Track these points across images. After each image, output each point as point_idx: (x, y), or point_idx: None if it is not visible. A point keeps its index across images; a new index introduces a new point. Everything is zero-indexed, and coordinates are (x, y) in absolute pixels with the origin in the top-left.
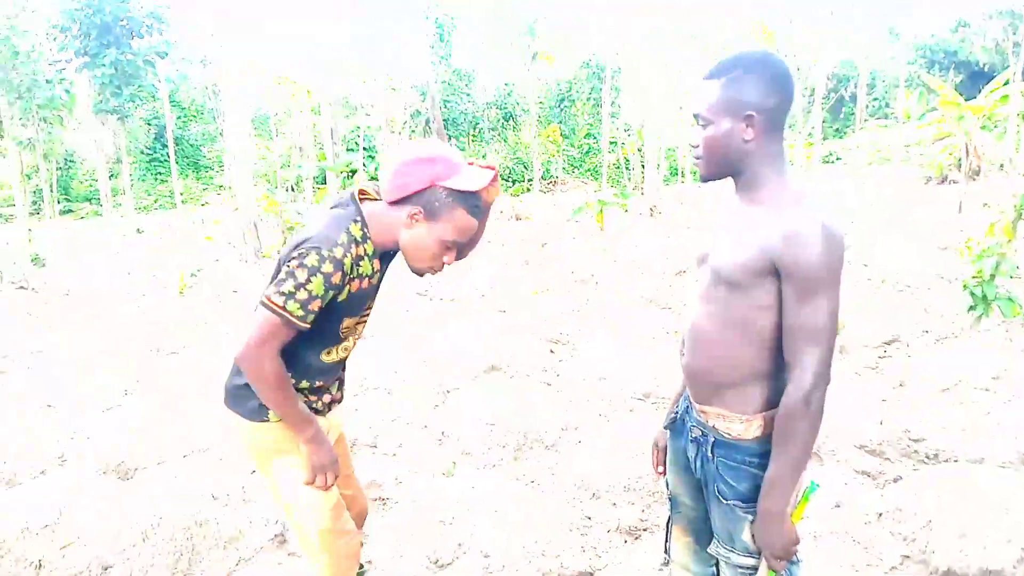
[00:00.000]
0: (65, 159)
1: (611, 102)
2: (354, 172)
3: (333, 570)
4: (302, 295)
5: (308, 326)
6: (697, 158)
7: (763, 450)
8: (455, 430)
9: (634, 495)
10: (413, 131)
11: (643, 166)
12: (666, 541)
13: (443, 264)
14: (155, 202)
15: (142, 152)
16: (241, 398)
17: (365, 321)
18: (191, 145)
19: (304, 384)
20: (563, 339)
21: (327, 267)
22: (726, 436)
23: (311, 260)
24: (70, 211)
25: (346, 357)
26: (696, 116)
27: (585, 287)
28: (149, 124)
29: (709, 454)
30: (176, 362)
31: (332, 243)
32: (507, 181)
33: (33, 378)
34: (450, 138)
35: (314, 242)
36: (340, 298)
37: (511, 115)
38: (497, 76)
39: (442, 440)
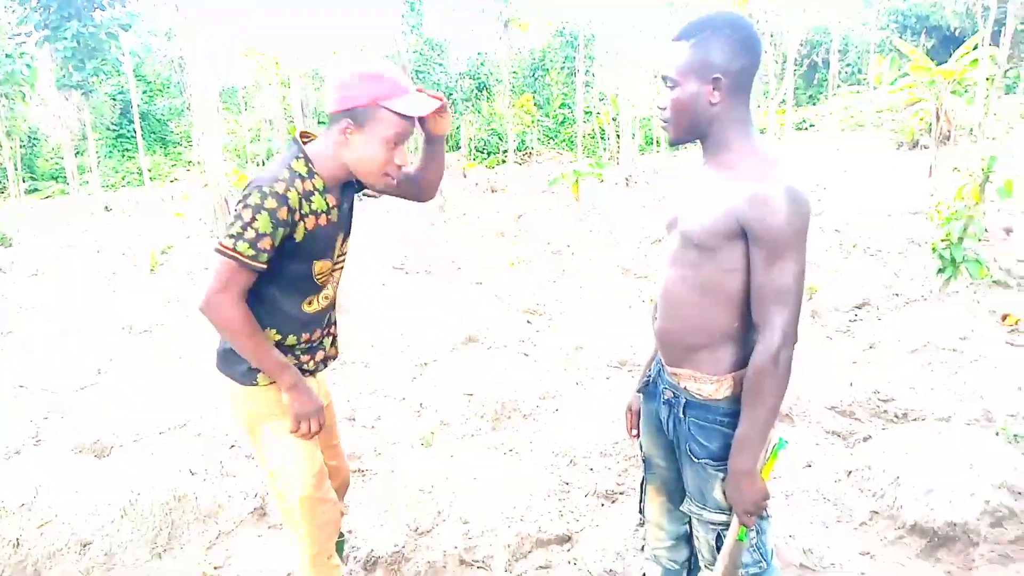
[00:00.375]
0: (29, 136)
1: (585, 71)
2: None
3: (313, 538)
4: (250, 234)
5: (263, 265)
6: (664, 121)
7: (733, 410)
8: (433, 401)
9: (611, 460)
10: None
11: (618, 136)
12: (640, 502)
13: (398, 167)
14: (123, 179)
15: (108, 128)
16: (231, 361)
17: (341, 267)
18: (158, 120)
19: (292, 340)
20: (539, 309)
21: (270, 203)
22: (697, 397)
23: (254, 199)
24: (36, 190)
25: (328, 307)
26: (664, 78)
27: (561, 258)
28: (114, 99)
29: (681, 415)
30: (149, 340)
31: (273, 179)
32: (482, 153)
33: (4, 359)
34: None
35: (256, 182)
36: (298, 237)
37: (485, 85)
38: (471, 46)
39: (420, 411)
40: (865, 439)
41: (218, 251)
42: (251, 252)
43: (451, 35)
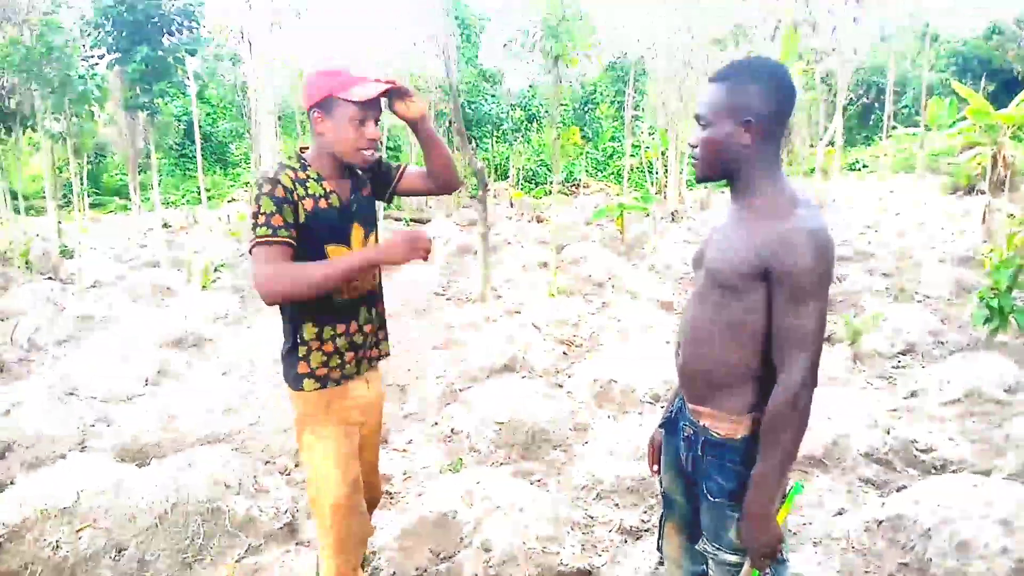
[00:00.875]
0: (96, 153)
1: (634, 105)
2: None
3: (340, 548)
4: (261, 219)
5: (284, 239)
6: (694, 158)
7: (751, 450)
8: (464, 427)
9: (637, 496)
10: (437, 130)
11: (666, 170)
12: (659, 539)
13: (370, 141)
14: (182, 197)
15: (171, 148)
16: (287, 366)
17: None
18: (219, 142)
19: (330, 331)
20: (577, 340)
21: (266, 187)
22: (716, 435)
23: (254, 191)
24: (100, 204)
25: (361, 298)
26: (698, 116)
27: (602, 290)
28: (178, 120)
29: (700, 452)
30: (196, 354)
31: (264, 172)
32: (530, 183)
33: (59, 367)
34: (473, 138)
35: (255, 182)
36: (301, 218)
37: (535, 116)
38: (523, 78)
39: (451, 437)
40: (899, 489)
41: (250, 250)
42: (268, 231)
43: (505, 66)
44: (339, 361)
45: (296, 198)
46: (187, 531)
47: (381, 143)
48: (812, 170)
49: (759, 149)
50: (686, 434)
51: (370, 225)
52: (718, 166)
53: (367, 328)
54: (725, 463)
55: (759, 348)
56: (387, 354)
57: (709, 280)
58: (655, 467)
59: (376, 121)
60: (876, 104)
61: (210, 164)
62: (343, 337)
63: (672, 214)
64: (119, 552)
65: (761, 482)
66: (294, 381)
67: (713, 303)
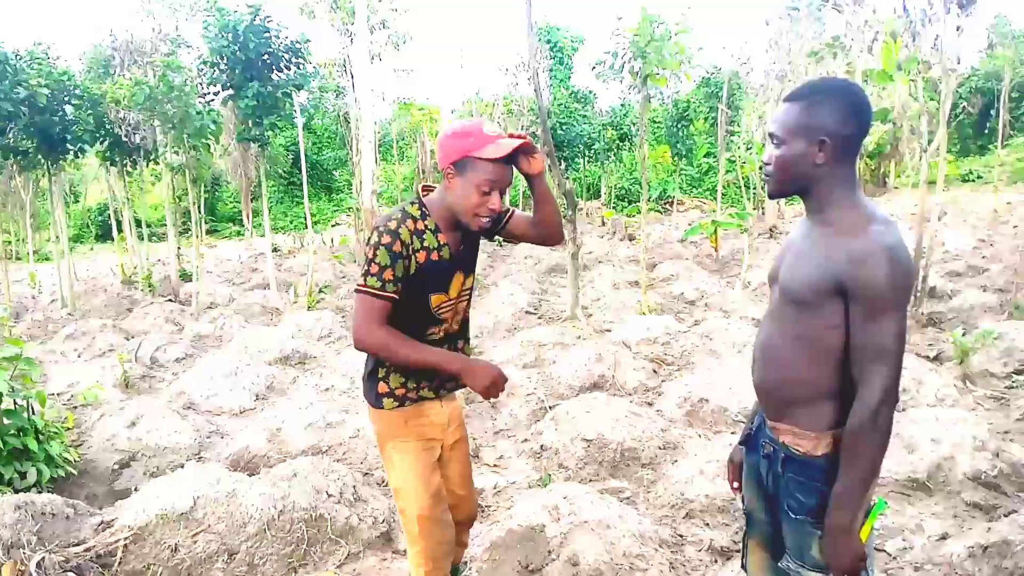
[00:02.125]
0: (212, 183)
1: (729, 120)
2: None
3: (428, 555)
4: (374, 269)
5: (391, 294)
6: (767, 175)
7: (832, 467)
8: (553, 444)
9: (728, 516)
10: None
11: (763, 185)
12: (743, 556)
13: (491, 210)
14: (290, 222)
15: (280, 176)
16: (368, 387)
17: (464, 301)
18: (324, 169)
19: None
20: (667, 359)
21: (385, 239)
22: (796, 452)
23: (373, 239)
24: (215, 230)
25: (449, 337)
26: (771, 135)
27: (694, 308)
28: (287, 150)
29: (780, 469)
30: (302, 371)
31: (388, 219)
32: (623, 201)
33: (178, 383)
34: (565, 159)
35: (376, 223)
36: (412, 269)
37: (627, 135)
38: (614, 97)
39: (540, 454)
40: (1008, 514)
41: (356, 291)
42: (378, 284)
43: (597, 86)
44: (415, 384)
45: (411, 251)
46: (292, 537)
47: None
48: (915, 183)
49: (833, 168)
50: (766, 451)
51: (470, 270)
52: (790, 183)
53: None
54: (806, 480)
55: (837, 365)
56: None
57: (783, 297)
58: (735, 484)
59: (503, 193)
60: (992, 112)
61: (315, 191)
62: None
63: (770, 230)
64: (231, 556)
65: (842, 499)
66: (375, 400)
67: (788, 320)
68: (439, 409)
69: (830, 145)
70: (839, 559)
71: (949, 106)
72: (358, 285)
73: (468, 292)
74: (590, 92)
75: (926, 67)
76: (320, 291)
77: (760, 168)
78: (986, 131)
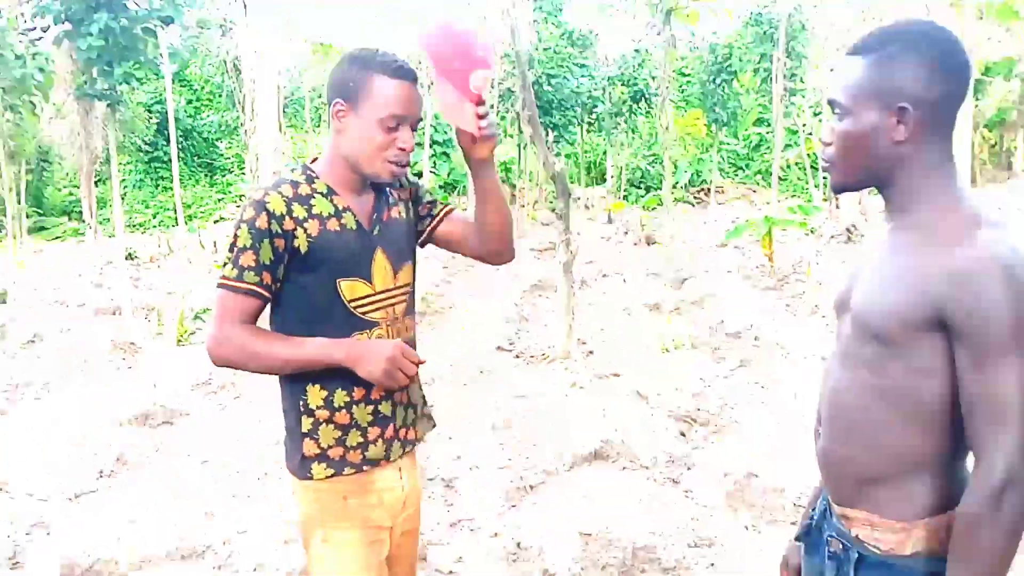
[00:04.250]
0: (38, 159)
1: (789, 75)
2: (418, 175)
3: None
4: (231, 254)
5: (253, 287)
6: (827, 160)
7: (928, 571)
8: (536, 541)
9: None
10: (503, 118)
11: (824, 169)
12: None
13: (401, 150)
14: (154, 216)
15: (139, 149)
16: (290, 449)
17: (400, 299)
18: (203, 140)
19: (343, 396)
20: (701, 417)
21: (248, 213)
22: (876, 551)
23: (239, 214)
24: (43, 228)
25: None
26: (831, 103)
27: (740, 344)
28: (149, 111)
29: (853, 575)
30: (169, 435)
31: (259, 189)
32: (638, 188)
33: None
34: (553, 127)
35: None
36: (301, 246)
37: (643, 94)
38: (625, 39)
39: (517, 555)
40: None
41: (216, 287)
42: (234, 273)
43: (600, 25)
44: (360, 439)
45: (290, 226)
46: None
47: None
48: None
49: (921, 147)
50: (832, 549)
51: (402, 257)
52: (861, 170)
53: (399, 396)
54: None
55: (936, 426)
56: (430, 428)
57: (858, 331)
58: None
59: (414, 128)
60: None
61: (191, 171)
62: (363, 405)
63: (847, 231)
64: None
65: None
66: (299, 467)
67: (866, 362)
68: (394, 480)
69: (913, 115)
70: None
71: None
72: (221, 274)
73: (406, 289)
74: (591, 33)
75: None
76: (196, 317)
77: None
78: None
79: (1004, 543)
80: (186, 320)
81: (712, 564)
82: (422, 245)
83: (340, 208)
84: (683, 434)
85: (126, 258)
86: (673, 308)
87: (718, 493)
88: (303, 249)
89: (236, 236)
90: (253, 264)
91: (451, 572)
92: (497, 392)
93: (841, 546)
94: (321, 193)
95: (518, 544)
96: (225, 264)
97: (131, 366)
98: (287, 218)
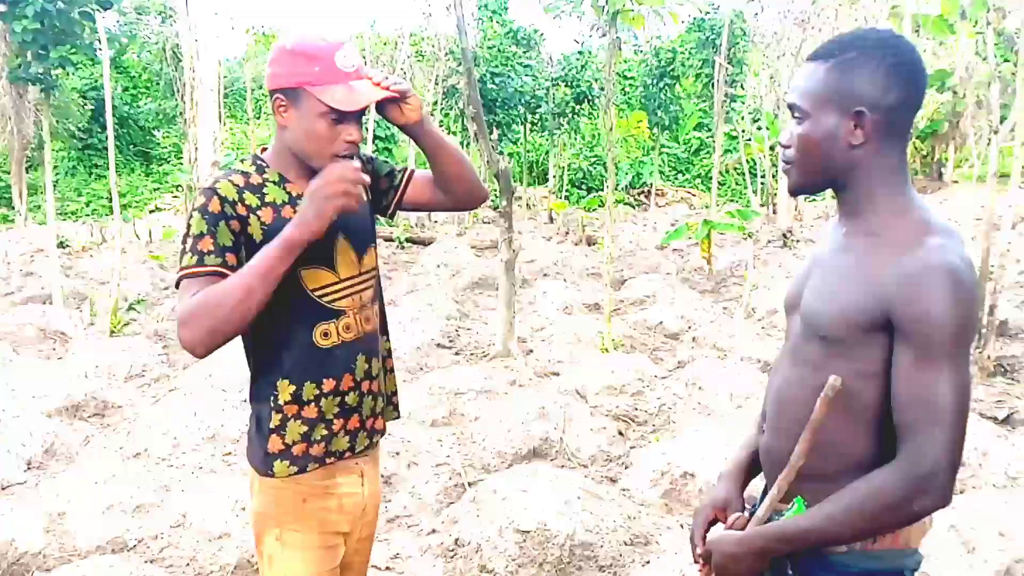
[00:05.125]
0: None
1: (729, 81)
2: None
3: None
4: (188, 243)
5: (218, 267)
6: (787, 162)
7: (864, 566)
8: (473, 538)
9: None
10: (447, 115)
11: (775, 174)
12: None
13: (349, 143)
14: (87, 205)
15: (73, 136)
16: (254, 445)
17: (366, 286)
18: (140, 128)
19: (312, 389)
20: (639, 417)
21: (199, 200)
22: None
23: (190, 206)
24: None
25: (358, 346)
26: (792, 107)
27: (678, 345)
28: (84, 98)
29: (789, 572)
30: (100, 427)
31: (206, 179)
32: (579, 188)
33: None
34: (498, 125)
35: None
36: (255, 234)
37: (586, 95)
38: (570, 41)
39: (454, 552)
40: None
41: (176, 284)
42: (194, 260)
43: (545, 25)
44: (325, 432)
45: (243, 212)
46: None
47: (362, 142)
48: (982, 176)
49: (877, 151)
50: None
51: (365, 241)
52: (819, 173)
53: (367, 386)
54: None
55: (878, 427)
56: (394, 417)
57: (807, 331)
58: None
59: (359, 120)
60: None
61: (126, 159)
62: (331, 397)
63: (784, 236)
64: None
65: (796, 533)
66: (262, 463)
67: (813, 363)
68: (356, 486)
69: (870, 119)
70: (724, 570)
71: None
72: (179, 266)
73: (372, 274)
74: (536, 32)
75: (1000, 16)
76: (131, 308)
77: (771, 151)
78: None
79: (905, 519)
80: (120, 311)
81: (648, 562)
82: (392, 216)
83: (294, 195)
84: (621, 433)
85: (58, 246)
86: (613, 309)
87: (655, 492)
88: (257, 237)
89: (189, 226)
90: (212, 248)
91: (388, 569)
92: (436, 388)
93: None
94: (273, 182)
95: (456, 541)
96: (183, 256)
97: (61, 356)
98: (239, 204)
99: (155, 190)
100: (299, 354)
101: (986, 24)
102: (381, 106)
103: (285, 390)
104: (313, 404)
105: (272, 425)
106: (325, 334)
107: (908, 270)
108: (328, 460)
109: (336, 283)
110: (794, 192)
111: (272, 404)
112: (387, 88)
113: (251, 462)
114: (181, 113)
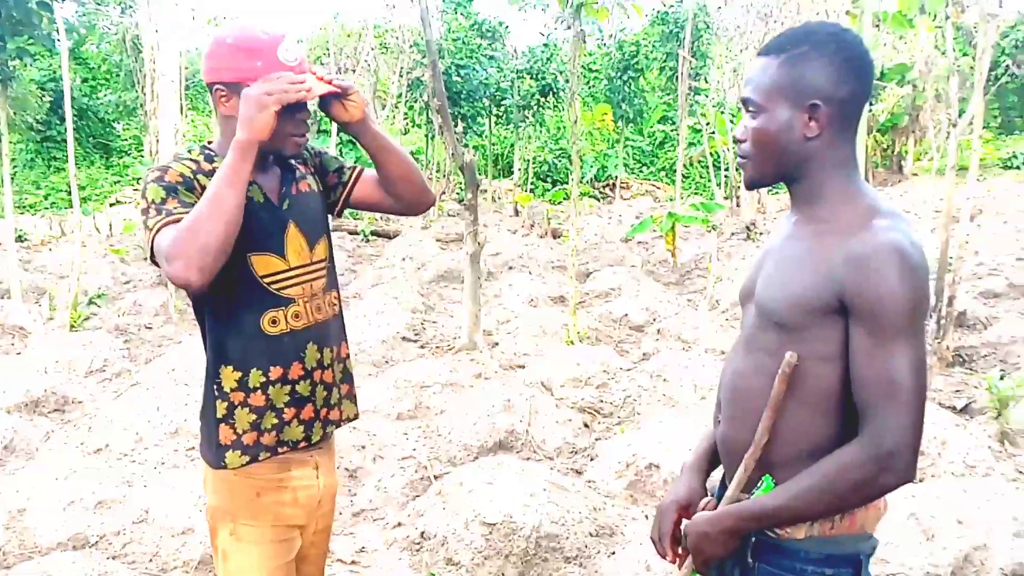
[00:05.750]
0: None
1: (694, 74)
2: None
3: None
4: (152, 211)
5: (186, 210)
6: (742, 156)
7: (822, 554)
8: (439, 531)
9: None
10: (411, 107)
11: (739, 166)
12: None
13: (298, 123)
14: (46, 198)
15: (31, 128)
16: (205, 436)
17: (317, 275)
18: (100, 120)
19: (258, 376)
20: (604, 409)
21: (154, 175)
22: (772, 535)
23: (142, 190)
24: None
25: (307, 335)
26: (745, 101)
27: (643, 337)
28: (43, 89)
29: (750, 560)
30: (59, 423)
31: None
32: (544, 181)
33: None
34: (462, 118)
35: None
36: None
37: (551, 88)
38: (534, 33)
39: (420, 544)
40: None
41: (151, 242)
42: (162, 216)
43: (511, 17)
44: (276, 420)
45: (199, 187)
46: None
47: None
48: (941, 169)
49: (829, 143)
50: None
51: (317, 231)
52: (775, 166)
53: (319, 375)
54: (785, 573)
55: (834, 412)
56: (354, 417)
57: (761, 319)
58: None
59: (304, 107)
60: None
61: (86, 152)
62: (280, 385)
63: (747, 228)
64: None
65: (765, 511)
66: (214, 456)
67: (768, 350)
68: (311, 478)
69: (824, 111)
70: (703, 553)
71: (988, 64)
72: (148, 234)
73: (323, 264)
74: (500, 24)
75: (958, 10)
76: (91, 302)
77: (732, 145)
78: None
79: (869, 495)
80: (80, 305)
81: (613, 553)
82: (339, 214)
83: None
84: (586, 425)
85: (16, 240)
86: (578, 301)
87: (620, 483)
88: None
89: (148, 199)
90: (177, 205)
91: (354, 563)
92: (401, 381)
93: None
94: None
95: (422, 534)
96: (147, 223)
97: (20, 351)
98: (195, 181)
99: (115, 183)
100: (245, 341)
101: (945, 18)
102: (325, 103)
103: (230, 377)
104: (260, 391)
105: (219, 415)
106: (273, 321)
107: (857, 252)
108: (281, 450)
109: (286, 271)
110: (750, 186)
111: (217, 392)
112: (330, 82)
113: (204, 456)
114: (142, 105)
